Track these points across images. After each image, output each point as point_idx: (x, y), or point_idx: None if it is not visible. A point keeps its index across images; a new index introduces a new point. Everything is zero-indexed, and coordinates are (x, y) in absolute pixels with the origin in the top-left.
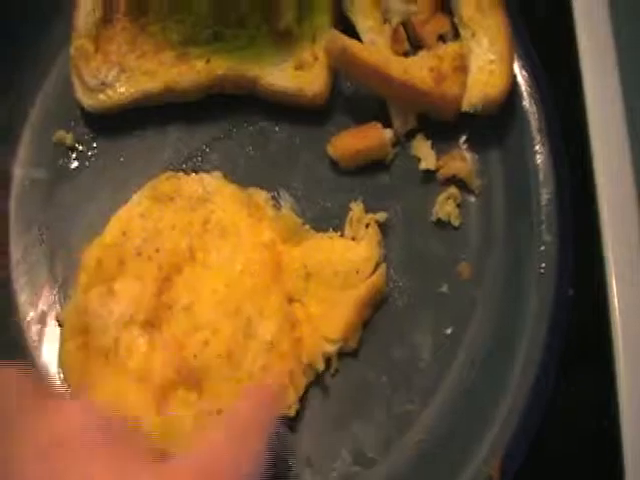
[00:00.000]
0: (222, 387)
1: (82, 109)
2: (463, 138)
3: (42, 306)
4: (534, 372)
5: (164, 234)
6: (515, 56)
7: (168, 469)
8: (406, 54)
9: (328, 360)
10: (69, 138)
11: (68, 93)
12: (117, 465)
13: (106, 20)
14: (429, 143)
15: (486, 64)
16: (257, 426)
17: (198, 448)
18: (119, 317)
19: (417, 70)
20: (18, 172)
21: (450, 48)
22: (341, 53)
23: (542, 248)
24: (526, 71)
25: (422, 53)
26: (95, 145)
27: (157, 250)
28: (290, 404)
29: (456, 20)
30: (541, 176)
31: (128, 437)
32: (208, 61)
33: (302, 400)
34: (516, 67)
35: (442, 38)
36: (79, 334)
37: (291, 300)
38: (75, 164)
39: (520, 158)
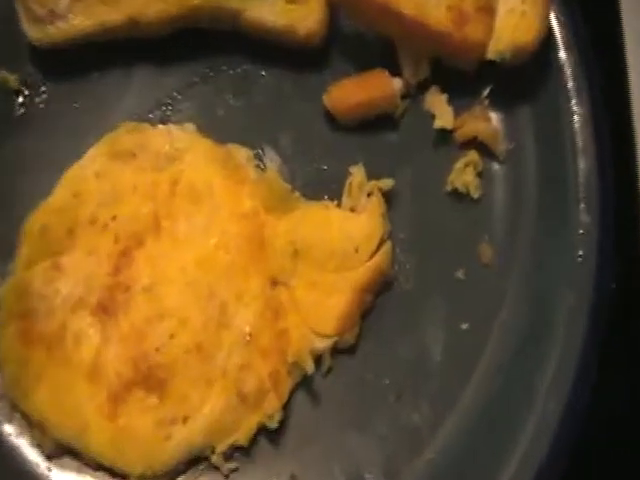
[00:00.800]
0: (189, 389)
1: (28, 44)
2: (486, 92)
3: None
4: (569, 378)
5: (123, 198)
6: None
7: None
8: None
9: (319, 358)
10: (12, 79)
11: (11, 24)
12: None
13: None
14: (445, 97)
15: (517, 5)
16: None
17: None
18: (66, 299)
19: (433, 7)
20: None
21: None
22: None
23: (580, 231)
24: (563, 16)
25: None
26: (44, 89)
27: (114, 217)
28: (271, 413)
29: None
30: (579, 142)
31: None
32: None
33: (286, 407)
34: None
35: None
36: (18, 318)
37: (275, 283)
38: (20, 111)
39: (554, 119)
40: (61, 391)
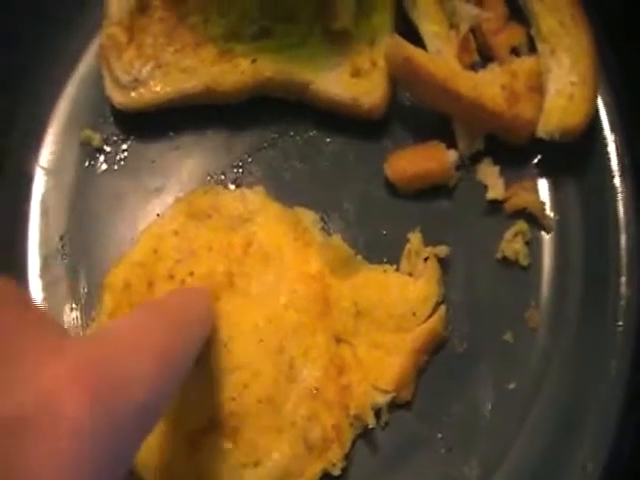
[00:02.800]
0: (261, 436)
1: (112, 107)
2: (535, 166)
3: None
4: (609, 442)
5: (200, 256)
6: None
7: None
8: (473, 67)
9: (378, 412)
10: (97, 138)
11: (97, 89)
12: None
13: (142, 8)
14: (497, 169)
15: (566, 87)
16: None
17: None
18: None
19: (488, 87)
20: (40, 174)
21: (525, 64)
22: (404, 63)
23: (621, 303)
24: (609, 97)
25: (492, 67)
26: (125, 147)
27: (191, 274)
28: (335, 461)
29: (533, 32)
30: (622, 217)
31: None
32: (254, 61)
33: (348, 456)
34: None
35: (515, 51)
36: None
37: (339, 340)
38: (103, 167)
39: (599, 195)
40: None
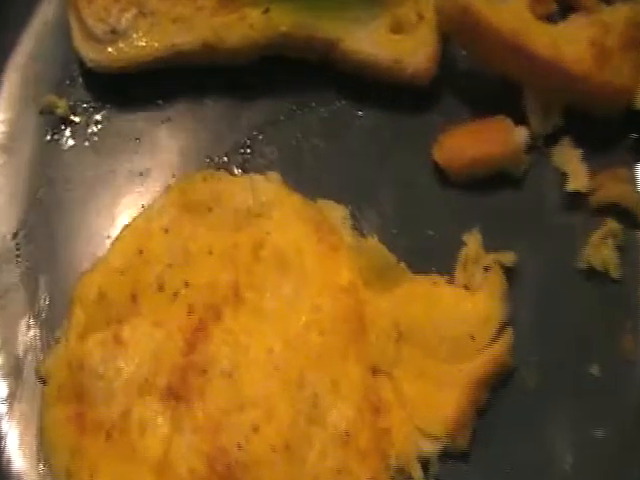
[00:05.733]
0: None
1: (82, 65)
2: (630, 148)
3: (16, 350)
4: None
5: (197, 261)
6: None
7: None
8: (550, 19)
9: (426, 463)
10: (62, 106)
11: (63, 42)
12: None
13: None
14: (579, 152)
15: None
16: None
17: None
18: (129, 380)
19: (571, 44)
20: None
21: (619, 13)
22: (460, 14)
23: None
24: None
25: (576, 18)
26: (99, 118)
27: (186, 284)
28: None
29: None
30: None
31: None
32: (266, 11)
33: None
34: None
35: None
36: (71, 399)
37: (376, 372)
38: (70, 143)
39: None
40: None
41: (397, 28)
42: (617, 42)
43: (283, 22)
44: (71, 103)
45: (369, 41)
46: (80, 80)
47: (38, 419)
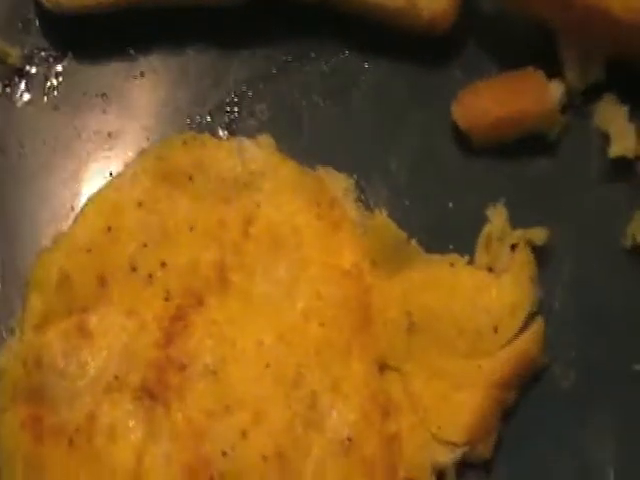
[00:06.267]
0: None
1: (38, 6)
2: None
3: None
4: None
5: (176, 238)
6: None
7: None
8: None
9: (441, 475)
10: (14, 55)
11: None
12: None
13: None
14: (625, 110)
15: None
16: None
17: None
18: (96, 377)
19: None
20: None
21: None
22: None
23: None
24: None
25: None
26: (59, 70)
27: (163, 264)
28: None
29: None
30: None
31: None
32: None
33: None
34: None
35: None
36: (26, 400)
37: (384, 367)
38: (24, 98)
39: None
40: None
41: None
42: None
43: None
44: (25, 51)
45: None
46: (36, 23)
47: None
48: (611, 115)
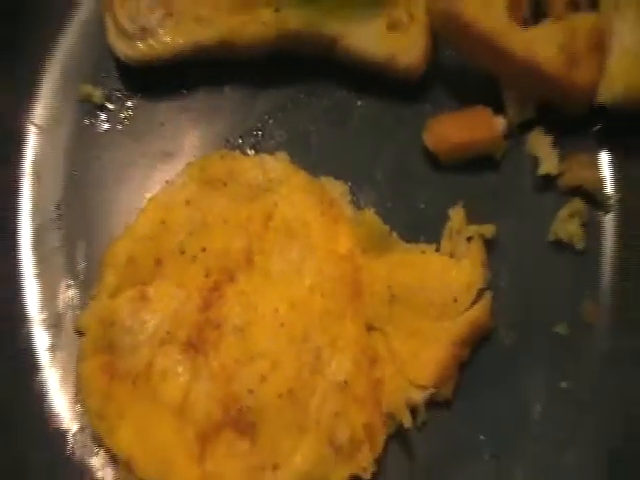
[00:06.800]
0: (281, 435)
1: (116, 59)
2: (594, 136)
3: (57, 307)
4: None
5: (214, 229)
6: None
7: None
8: (525, 23)
9: (414, 410)
10: (98, 94)
11: (99, 39)
12: None
13: None
14: (550, 140)
15: (632, 45)
16: None
17: None
18: (153, 333)
19: (543, 46)
20: (34, 133)
21: (585, 20)
22: (449, 16)
23: None
24: None
25: (548, 23)
26: (130, 105)
27: (204, 249)
28: (365, 465)
29: None
30: None
31: None
32: (277, 10)
33: (379, 458)
34: None
35: (574, 4)
36: (102, 350)
37: (371, 329)
38: (104, 127)
39: None
40: (147, 428)
41: (392, 27)
42: (583, 46)
43: (292, 20)
44: (106, 92)
45: (367, 38)
46: (114, 72)
47: (75, 367)
48: (539, 143)
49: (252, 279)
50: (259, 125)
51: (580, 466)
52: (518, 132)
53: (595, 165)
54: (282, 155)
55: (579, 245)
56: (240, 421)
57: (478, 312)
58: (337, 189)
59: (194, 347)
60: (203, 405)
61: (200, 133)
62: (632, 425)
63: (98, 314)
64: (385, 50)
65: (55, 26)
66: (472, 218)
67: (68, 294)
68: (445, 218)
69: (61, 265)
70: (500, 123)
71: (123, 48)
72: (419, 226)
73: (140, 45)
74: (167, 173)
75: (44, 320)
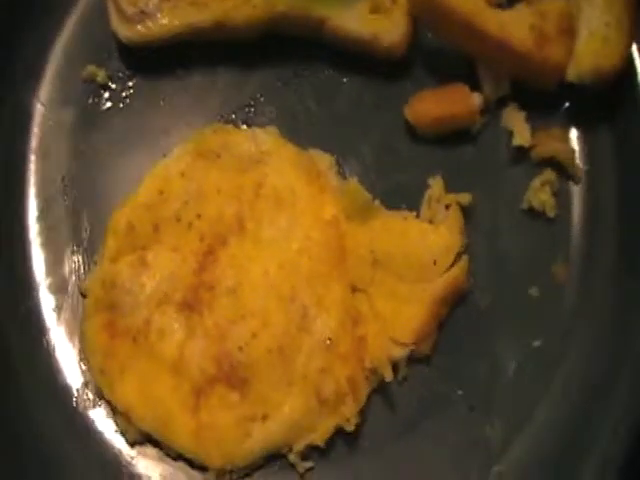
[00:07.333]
0: (270, 389)
1: (117, 41)
2: (564, 112)
3: (62, 271)
4: None
5: (208, 198)
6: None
7: None
8: (499, 6)
9: (395, 366)
10: (101, 75)
11: (101, 22)
12: None
13: None
14: (523, 115)
15: (599, 29)
16: None
17: None
18: (151, 294)
19: (516, 27)
20: (40, 111)
21: (555, 4)
22: (427, 1)
23: None
24: None
25: (521, 7)
26: (131, 84)
27: (199, 216)
28: (349, 417)
29: None
30: None
31: None
32: None
33: (362, 411)
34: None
35: None
36: (104, 310)
37: (355, 290)
38: (107, 105)
39: (633, 143)
40: (146, 383)
41: (375, 10)
42: (553, 28)
43: (281, 3)
44: (109, 72)
45: (353, 20)
46: (116, 54)
47: (79, 326)
48: (514, 118)
49: (244, 244)
50: (251, 102)
51: (551, 416)
52: (494, 108)
53: (566, 138)
54: (272, 129)
55: (550, 213)
56: (232, 376)
57: (456, 273)
58: (324, 161)
59: (189, 307)
60: (197, 361)
61: (196, 110)
62: (596, 379)
63: (101, 277)
64: (369, 31)
65: (61, 11)
66: (451, 188)
67: (73, 260)
68: (425, 187)
69: (66, 233)
70: (477, 99)
71: (124, 31)
72: (401, 195)
73: (140, 28)
74: (165, 147)
75: (51, 284)
